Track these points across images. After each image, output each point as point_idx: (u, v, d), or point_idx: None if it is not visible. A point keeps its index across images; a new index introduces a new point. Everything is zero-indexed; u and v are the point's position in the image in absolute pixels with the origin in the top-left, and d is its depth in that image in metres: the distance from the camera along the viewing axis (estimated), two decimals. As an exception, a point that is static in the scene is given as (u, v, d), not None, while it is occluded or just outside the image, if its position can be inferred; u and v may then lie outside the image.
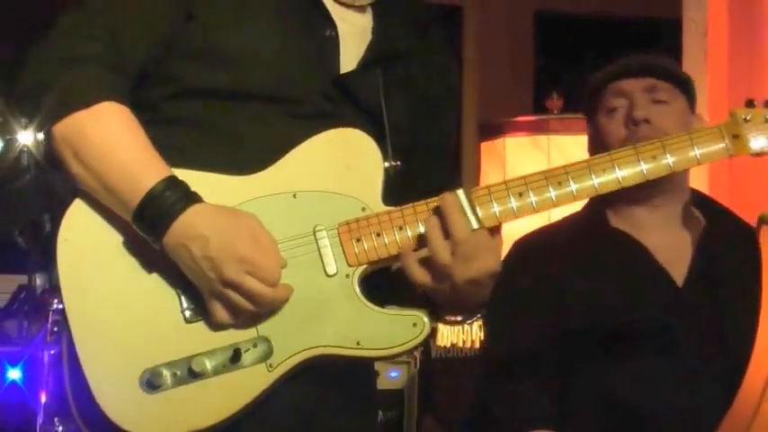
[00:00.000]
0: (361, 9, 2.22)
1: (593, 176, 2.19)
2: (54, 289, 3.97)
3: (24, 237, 4.15)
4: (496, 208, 2.08)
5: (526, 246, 2.91)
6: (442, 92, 2.40)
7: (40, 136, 2.15)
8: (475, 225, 2.00)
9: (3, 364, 3.27)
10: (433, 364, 3.98)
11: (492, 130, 4.18)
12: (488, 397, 2.90)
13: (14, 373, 3.25)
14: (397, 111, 2.21)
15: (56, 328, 3.57)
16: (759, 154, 2.26)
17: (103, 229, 2.09)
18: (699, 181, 3.54)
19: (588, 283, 2.81)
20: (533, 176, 2.16)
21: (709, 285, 2.72)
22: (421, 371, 3.61)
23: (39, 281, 4.01)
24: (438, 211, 2.02)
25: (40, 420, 3.32)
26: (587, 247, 2.74)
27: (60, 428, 3.37)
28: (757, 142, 2.24)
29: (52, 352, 3.48)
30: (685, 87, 2.82)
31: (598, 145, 2.83)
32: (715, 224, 2.78)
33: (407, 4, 2.34)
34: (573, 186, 2.17)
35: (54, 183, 6.18)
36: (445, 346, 4.34)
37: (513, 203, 2.11)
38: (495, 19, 7.15)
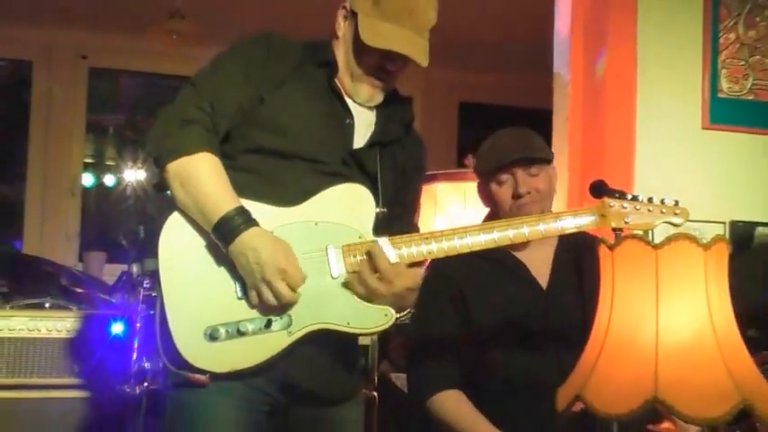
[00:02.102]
0: (369, 108, 2.31)
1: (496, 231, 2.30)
2: (145, 274, 3.95)
3: (126, 240, 4.16)
4: (405, 251, 2.16)
5: (441, 262, 2.85)
6: (414, 168, 2.48)
7: (156, 170, 2.18)
8: (394, 259, 2.11)
9: (110, 322, 3.25)
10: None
11: (428, 178, 4.16)
12: (409, 369, 2.83)
13: (117, 328, 3.25)
14: (387, 176, 2.31)
15: (153, 292, 3.49)
16: (615, 229, 2.38)
17: (190, 233, 2.14)
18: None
19: (481, 286, 2.73)
20: (441, 231, 2.25)
21: (563, 286, 2.67)
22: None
23: (134, 269, 4.00)
24: (368, 253, 2.10)
25: (134, 359, 3.25)
26: (483, 260, 2.69)
27: (147, 364, 3.35)
28: (616, 222, 2.38)
29: (142, 315, 3.45)
30: (548, 160, 2.78)
31: (492, 202, 2.81)
32: (561, 243, 2.76)
33: (399, 109, 2.41)
34: (469, 239, 2.26)
35: (146, 206, 6.18)
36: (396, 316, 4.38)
37: (423, 248, 2.19)
38: (434, 106, 7.18)
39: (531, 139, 2.79)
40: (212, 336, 2.08)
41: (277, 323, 2.10)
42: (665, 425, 1.87)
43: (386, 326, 2.15)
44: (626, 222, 2.36)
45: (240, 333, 2.09)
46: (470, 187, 4.01)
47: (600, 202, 2.38)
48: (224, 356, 2.09)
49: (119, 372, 3.22)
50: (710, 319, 1.86)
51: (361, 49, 2.24)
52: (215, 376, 2.09)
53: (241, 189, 2.13)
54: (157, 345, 2.12)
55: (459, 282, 2.75)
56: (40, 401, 3.09)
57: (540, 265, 2.75)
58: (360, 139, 2.30)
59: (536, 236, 2.33)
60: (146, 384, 3.26)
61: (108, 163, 7.43)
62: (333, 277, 2.14)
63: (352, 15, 2.26)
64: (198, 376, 2.08)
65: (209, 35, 5.06)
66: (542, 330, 2.63)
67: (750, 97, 3.88)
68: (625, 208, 2.37)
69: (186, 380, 2.09)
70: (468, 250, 2.25)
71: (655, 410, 1.83)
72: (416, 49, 2.22)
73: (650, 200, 2.39)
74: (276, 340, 2.11)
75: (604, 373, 1.90)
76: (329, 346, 2.21)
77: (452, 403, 2.65)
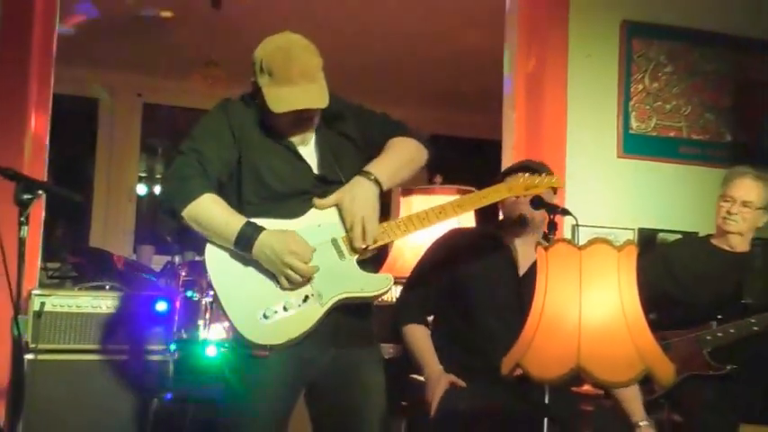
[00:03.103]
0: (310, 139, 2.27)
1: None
2: (184, 264, 3.90)
3: (171, 237, 4.07)
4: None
5: (453, 233, 2.87)
6: (364, 125, 2.37)
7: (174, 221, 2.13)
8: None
9: (156, 300, 3.24)
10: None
11: (407, 192, 4.12)
12: (396, 313, 2.83)
13: (161, 305, 3.21)
14: (347, 173, 2.23)
15: (190, 277, 3.54)
16: (517, 196, 2.51)
17: (224, 253, 2.11)
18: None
19: (471, 263, 2.71)
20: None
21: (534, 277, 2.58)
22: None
23: (176, 259, 3.95)
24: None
25: (173, 330, 3.24)
26: (481, 243, 2.73)
27: (184, 335, 3.34)
28: (518, 192, 2.47)
29: (181, 295, 3.43)
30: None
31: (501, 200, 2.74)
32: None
33: (327, 111, 2.27)
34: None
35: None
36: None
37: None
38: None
39: (536, 163, 2.76)
40: (265, 316, 2.06)
41: (311, 298, 2.09)
42: (586, 387, 1.86)
43: (389, 287, 2.18)
44: (526, 189, 2.45)
45: (285, 310, 2.08)
46: (438, 199, 4.00)
47: (509, 179, 2.48)
48: (279, 331, 2.07)
49: (162, 339, 3.19)
50: (621, 305, 1.85)
51: (274, 115, 2.15)
52: (274, 348, 2.08)
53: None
54: (229, 337, 2.16)
55: (459, 249, 2.74)
56: (100, 362, 3.07)
57: (526, 257, 2.69)
58: (313, 162, 2.25)
59: (468, 206, 2.37)
60: (183, 350, 3.25)
61: (157, 177, 7.44)
62: (341, 260, 2.14)
63: (258, 88, 2.18)
64: (261, 352, 2.08)
65: (235, 79, 5.04)
66: (512, 308, 2.57)
67: (654, 134, 3.89)
68: (520, 181, 2.45)
69: (253, 356, 2.09)
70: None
71: (578, 376, 1.82)
72: (313, 97, 2.14)
73: (537, 174, 2.48)
74: (314, 311, 2.10)
75: (539, 347, 1.88)
76: (350, 312, 2.20)
77: (418, 336, 2.69)
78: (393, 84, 6.76)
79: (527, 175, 2.46)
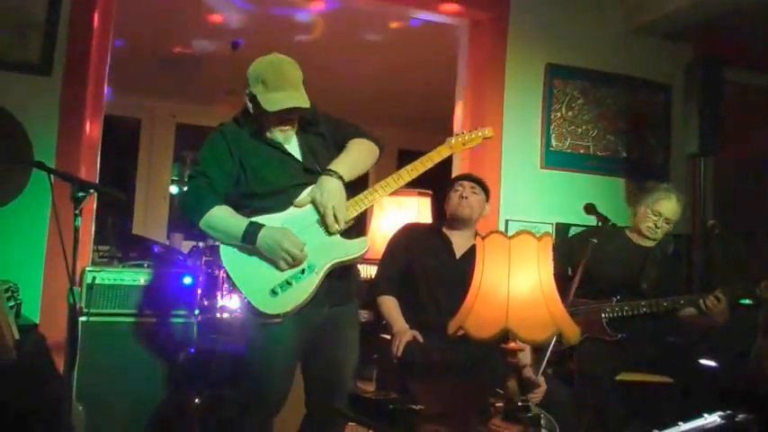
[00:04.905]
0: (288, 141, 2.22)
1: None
2: (206, 247, 3.82)
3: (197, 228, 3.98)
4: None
5: (405, 228, 2.88)
6: (332, 130, 2.30)
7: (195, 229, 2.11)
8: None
9: (184, 275, 3.19)
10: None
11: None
12: (372, 288, 2.82)
13: (188, 280, 3.17)
14: (323, 164, 2.19)
15: (212, 258, 3.46)
16: (457, 150, 2.39)
17: (233, 249, 2.08)
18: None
19: (420, 249, 2.73)
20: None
21: (469, 262, 2.48)
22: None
23: (200, 244, 3.88)
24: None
25: (198, 299, 3.20)
26: (428, 235, 2.75)
27: (206, 302, 3.30)
28: (458, 148, 2.39)
29: (204, 271, 3.38)
30: (484, 189, 2.77)
31: (447, 202, 2.77)
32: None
33: (304, 117, 2.23)
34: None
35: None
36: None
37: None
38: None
39: (480, 178, 2.80)
40: (274, 292, 2.04)
41: (307, 271, 2.07)
42: (512, 344, 1.87)
43: (367, 247, 2.15)
44: (463, 145, 2.37)
45: (288, 284, 2.05)
46: (403, 199, 4.00)
47: (449, 139, 2.36)
48: (286, 301, 2.05)
49: (188, 307, 3.15)
50: (540, 281, 1.86)
51: (267, 114, 2.11)
52: (286, 314, 2.06)
53: (258, 216, 2.12)
54: (246, 312, 2.11)
55: (413, 239, 2.76)
56: (138, 324, 3.02)
57: (462, 245, 2.73)
58: (297, 156, 2.21)
59: (420, 168, 2.28)
60: (204, 314, 3.21)
61: (186, 180, 7.38)
62: (327, 234, 2.12)
63: (253, 96, 2.14)
64: (275, 320, 2.06)
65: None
66: (450, 281, 2.59)
67: (569, 151, 3.91)
68: (459, 139, 2.38)
69: (268, 323, 2.07)
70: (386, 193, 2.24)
71: (506, 335, 1.82)
72: (298, 99, 2.10)
73: (471, 130, 2.40)
74: (311, 280, 2.08)
75: (477, 313, 1.89)
76: (338, 277, 2.18)
77: (389, 303, 2.68)
78: (372, 108, 6.74)
79: (464, 132, 2.43)
